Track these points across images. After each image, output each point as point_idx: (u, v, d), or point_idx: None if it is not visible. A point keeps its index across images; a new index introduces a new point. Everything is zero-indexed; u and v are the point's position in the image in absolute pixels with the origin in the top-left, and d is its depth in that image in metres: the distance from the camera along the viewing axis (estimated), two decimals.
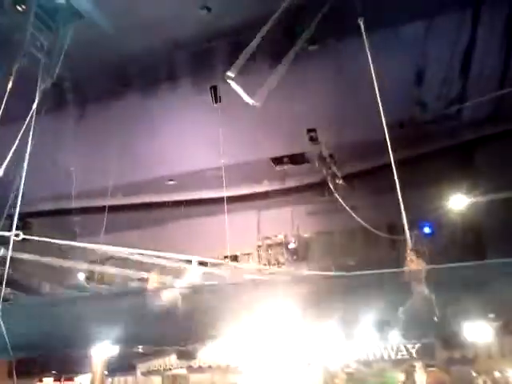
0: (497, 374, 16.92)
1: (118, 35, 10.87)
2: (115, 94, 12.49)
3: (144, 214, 15.53)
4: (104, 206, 13.12)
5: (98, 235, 12.10)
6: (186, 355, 17.68)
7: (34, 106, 9.42)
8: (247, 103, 12.98)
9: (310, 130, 13.52)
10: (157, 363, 18.39)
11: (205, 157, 14.00)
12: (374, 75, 7.94)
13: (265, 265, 16.01)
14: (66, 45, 10.12)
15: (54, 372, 18.78)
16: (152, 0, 10.82)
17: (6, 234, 6.38)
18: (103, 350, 14.74)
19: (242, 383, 18.69)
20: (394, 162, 13.65)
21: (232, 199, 14.23)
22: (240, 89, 9.40)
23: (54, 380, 19.11)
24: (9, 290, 9.50)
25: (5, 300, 9.06)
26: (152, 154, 13.88)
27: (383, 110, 11.51)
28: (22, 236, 6.35)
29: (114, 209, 13.72)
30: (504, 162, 12.62)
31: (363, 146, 12.96)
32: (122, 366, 18.37)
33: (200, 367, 18.07)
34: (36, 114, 8.84)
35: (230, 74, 9.43)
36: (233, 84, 9.18)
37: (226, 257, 15.68)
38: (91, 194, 13.83)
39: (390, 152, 7.82)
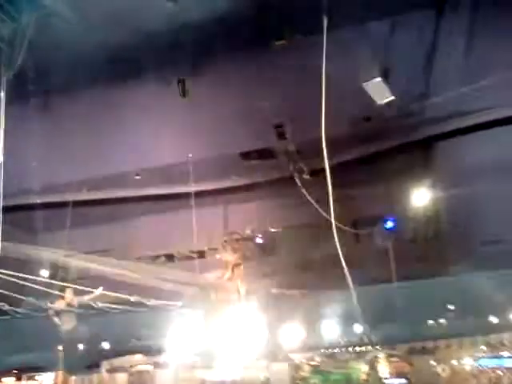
0: (454, 363, 17.55)
1: (83, 26, 10.65)
2: (81, 86, 12.23)
3: (111, 208, 15.30)
4: (69, 201, 12.87)
5: (62, 231, 11.87)
6: (151, 351, 17.56)
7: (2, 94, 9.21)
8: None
9: (277, 126, 13.61)
10: (122, 360, 18.20)
11: (172, 151, 13.91)
12: (324, 74, 8.05)
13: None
14: (29, 35, 9.86)
15: (14, 371, 18.33)
16: None
17: None
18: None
19: (208, 378, 18.72)
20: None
21: (199, 194, 14.21)
22: None
23: (16, 379, 18.63)
24: None
25: None
26: (119, 148, 13.69)
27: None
28: None
29: (79, 204, 13.47)
30: (461, 159, 13.05)
31: (329, 142, 13.11)
32: (86, 363, 18.10)
33: (166, 363, 17.98)
34: None
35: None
36: None
37: (192, 252, 15.66)
38: (55, 189, 13.52)
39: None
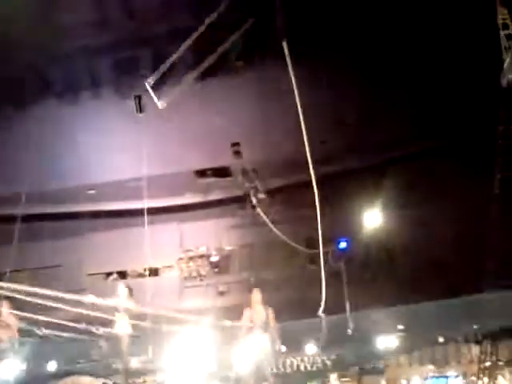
0: (403, 382, 17.86)
1: (35, 37, 10.46)
2: (34, 97, 11.97)
3: (63, 223, 14.88)
4: (18, 215, 12.43)
5: (10, 246, 11.44)
6: (101, 373, 17.04)
7: None
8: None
9: (233, 144, 13.67)
10: (68, 381, 17.56)
11: (126, 167, 13.71)
12: (297, 95, 8.19)
13: (185, 277, 15.88)
14: None
15: None
16: (72, 3, 10.54)
17: None
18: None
19: None
20: (314, 178, 14.12)
21: (153, 211, 14.00)
22: (151, 90, 9.41)
23: None
24: None
25: None
26: (72, 161, 13.39)
27: (305, 128, 11.92)
28: None
29: (29, 218, 13.03)
30: (409, 182, 13.44)
31: (285, 162, 13.28)
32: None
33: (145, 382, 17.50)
34: None
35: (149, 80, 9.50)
36: (147, 86, 9.19)
37: (145, 269, 15.36)
38: (4, 201, 13.07)
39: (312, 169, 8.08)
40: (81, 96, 12.49)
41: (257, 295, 8.29)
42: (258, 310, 8.08)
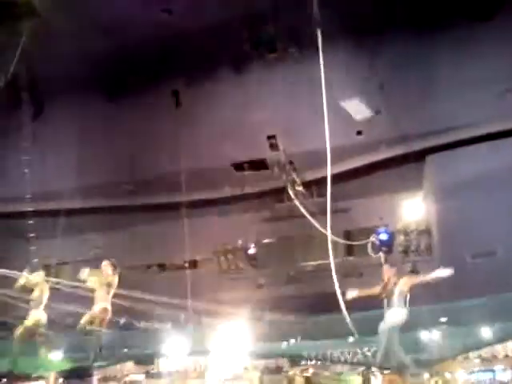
0: (447, 376, 17.45)
1: (76, 36, 10.73)
2: (75, 95, 12.30)
3: (104, 217, 15.26)
4: (62, 209, 12.85)
5: (55, 239, 11.84)
6: (143, 361, 17.44)
7: None
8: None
9: (270, 137, 13.66)
10: (114, 369, 18.05)
11: (165, 161, 13.93)
12: (323, 86, 8.07)
13: (224, 270, 16.02)
14: (22, 43, 9.91)
15: (4, 380, 18.19)
16: (111, 1, 10.74)
17: None
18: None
19: None
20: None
21: (192, 204, 14.20)
22: None
23: None
24: None
25: None
26: (111, 157, 13.71)
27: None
28: None
29: (72, 212, 13.45)
30: (452, 172, 13.08)
31: (322, 153, 13.15)
32: (77, 372, 17.94)
33: (158, 373, 17.86)
34: None
35: None
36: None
37: (184, 262, 15.59)
38: (48, 197, 13.51)
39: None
40: (120, 93, 12.77)
41: (390, 271, 8.33)
42: (400, 283, 8.10)
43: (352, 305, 8.73)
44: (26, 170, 12.01)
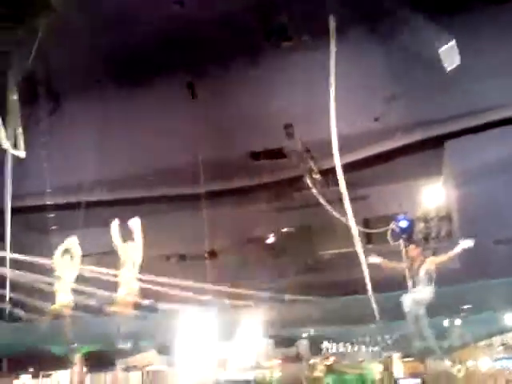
0: (470, 363, 17.32)
1: (90, 29, 10.80)
2: (91, 89, 12.40)
3: (124, 209, 15.39)
4: (81, 202, 13.02)
5: (75, 231, 11.98)
6: (165, 351, 17.67)
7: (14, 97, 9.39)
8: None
9: (286, 126, 13.60)
10: (136, 359, 18.34)
11: (183, 152, 13.98)
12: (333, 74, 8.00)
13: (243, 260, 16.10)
14: (39, 38, 10.01)
15: (31, 369, 18.62)
16: None
17: None
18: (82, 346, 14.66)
19: (221, 378, 18.80)
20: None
21: (210, 195, 14.25)
22: None
23: (32, 377, 18.93)
24: None
25: None
26: (130, 149, 13.82)
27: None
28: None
29: (91, 204, 13.61)
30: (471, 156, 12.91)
31: (339, 141, 13.08)
32: (101, 362, 18.29)
33: (180, 362, 18.06)
34: None
35: None
36: None
37: (204, 252, 15.70)
38: (67, 190, 13.68)
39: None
40: (136, 85, 12.82)
41: (415, 250, 8.40)
42: (426, 263, 8.15)
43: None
44: (45, 164, 12.20)
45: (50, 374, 18.86)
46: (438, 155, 13.52)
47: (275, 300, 8.98)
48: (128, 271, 8.83)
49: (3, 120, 9.07)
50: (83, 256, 9.65)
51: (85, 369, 18.22)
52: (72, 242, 9.11)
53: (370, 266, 9.05)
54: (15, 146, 9.08)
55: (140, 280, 8.91)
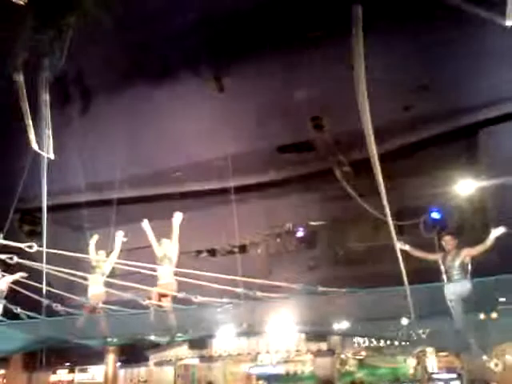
0: (508, 358, 16.87)
1: (120, 27, 10.87)
2: (119, 85, 12.49)
3: (153, 206, 15.54)
4: (111, 199, 13.19)
5: (106, 228, 12.15)
6: (197, 345, 17.82)
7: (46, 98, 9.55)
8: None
9: (314, 118, 13.46)
10: (169, 353, 18.56)
11: (211, 147, 13.99)
12: (361, 63, 7.81)
13: (273, 254, 16.08)
14: (69, 37, 10.14)
15: (67, 364, 19.05)
16: None
17: (22, 245, 6.52)
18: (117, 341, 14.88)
19: (253, 372, 18.87)
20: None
21: (238, 189, 14.24)
22: None
23: (68, 372, 19.40)
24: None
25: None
26: (158, 145, 13.89)
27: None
28: (35, 248, 6.46)
29: (121, 201, 13.77)
30: (506, 145, 12.54)
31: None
32: (134, 356, 18.56)
33: (211, 356, 18.21)
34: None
35: None
36: None
37: (234, 246, 15.76)
38: (97, 187, 13.88)
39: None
40: (164, 79, 12.86)
41: (451, 241, 8.26)
42: (461, 255, 8.03)
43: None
44: (77, 162, 12.41)
45: (86, 369, 19.29)
46: (472, 144, 13.18)
47: (307, 292, 8.89)
48: (164, 267, 8.91)
49: (34, 121, 9.24)
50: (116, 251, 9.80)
51: (118, 363, 18.56)
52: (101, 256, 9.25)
53: (403, 258, 8.87)
54: (44, 147, 9.23)
55: (175, 274, 8.98)
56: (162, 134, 13.58)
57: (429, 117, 12.64)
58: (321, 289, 8.34)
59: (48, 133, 9.32)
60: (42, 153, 9.25)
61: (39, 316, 9.42)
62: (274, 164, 14.92)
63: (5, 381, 17.95)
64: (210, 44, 12.02)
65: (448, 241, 8.32)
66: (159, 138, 13.63)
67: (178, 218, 9.32)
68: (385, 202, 7.53)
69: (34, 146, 9.11)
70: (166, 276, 8.88)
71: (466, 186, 13.20)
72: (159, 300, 8.92)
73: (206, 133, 13.71)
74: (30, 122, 9.05)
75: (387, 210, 7.71)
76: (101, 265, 9.11)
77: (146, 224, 9.29)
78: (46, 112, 9.38)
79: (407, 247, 8.25)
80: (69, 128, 11.77)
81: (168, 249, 9.17)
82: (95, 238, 9.41)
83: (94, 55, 11.46)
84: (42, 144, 9.11)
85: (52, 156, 9.27)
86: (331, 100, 12.77)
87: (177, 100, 13.06)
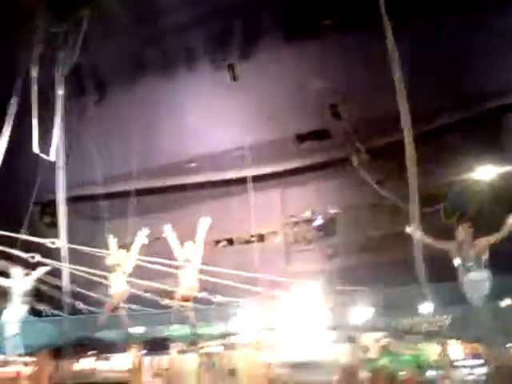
0: None
1: (133, 18, 10.89)
2: (134, 77, 12.53)
3: (169, 197, 15.61)
4: (128, 190, 13.27)
5: (123, 220, 12.26)
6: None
7: (60, 92, 9.63)
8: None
9: (332, 106, 13.33)
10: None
11: (226, 137, 13.96)
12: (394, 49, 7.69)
13: (291, 243, 15.98)
14: (83, 31, 10.19)
15: (91, 353, 19.35)
16: None
17: (44, 241, 6.62)
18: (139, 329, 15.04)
19: (275, 360, 18.94)
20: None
21: (255, 178, 14.19)
22: None
23: (92, 360, 19.73)
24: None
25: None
26: (173, 136, 13.91)
27: (404, 82, 11.25)
28: (57, 244, 6.54)
29: (138, 193, 13.85)
30: None
31: (386, 120, 12.70)
32: (156, 345, 18.72)
33: (233, 344, 18.29)
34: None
35: None
36: None
37: (252, 236, 15.72)
38: (114, 179, 13.97)
39: None
40: (178, 69, 12.85)
41: (467, 229, 8.08)
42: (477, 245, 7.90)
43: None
44: (94, 154, 12.50)
45: (109, 357, 19.58)
46: (494, 130, 12.87)
47: (325, 290, 8.86)
48: (187, 270, 8.93)
49: (43, 118, 9.31)
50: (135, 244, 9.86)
51: (142, 352, 18.79)
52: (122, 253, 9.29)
53: (419, 246, 8.72)
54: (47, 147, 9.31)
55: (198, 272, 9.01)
56: (177, 124, 13.59)
57: (451, 102, 12.41)
58: (340, 288, 8.26)
59: (55, 131, 9.37)
60: (42, 155, 9.31)
61: (62, 314, 9.54)
62: (291, 152, 14.82)
63: (35, 369, 18.35)
64: (223, 32, 11.99)
65: (464, 229, 8.09)
66: (175, 128, 13.64)
67: (204, 222, 9.25)
68: (414, 186, 7.39)
69: (35, 148, 9.18)
70: (189, 278, 8.88)
71: (487, 172, 12.93)
72: (182, 300, 8.95)
73: (223, 122, 13.67)
74: (36, 122, 9.11)
75: (414, 196, 7.60)
76: (122, 263, 9.14)
77: (168, 229, 9.22)
78: (57, 107, 9.44)
79: (418, 234, 8.08)
80: (84, 120, 11.86)
81: (191, 252, 9.13)
82: (114, 239, 9.39)
83: (108, 47, 11.50)
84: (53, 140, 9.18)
85: (53, 158, 9.31)
86: (349, 87, 12.63)
87: (192, 90, 13.05)
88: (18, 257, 8.23)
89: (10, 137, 9.26)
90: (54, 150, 9.46)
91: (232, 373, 18.88)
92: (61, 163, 9.86)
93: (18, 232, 8.56)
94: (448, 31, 11.14)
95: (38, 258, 6.96)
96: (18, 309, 8.81)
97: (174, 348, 19.30)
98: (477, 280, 7.74)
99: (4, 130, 9.17)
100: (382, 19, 8.03)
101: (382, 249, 14.03)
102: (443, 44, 11.14)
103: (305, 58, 12.56)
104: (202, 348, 19.24)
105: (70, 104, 9.87)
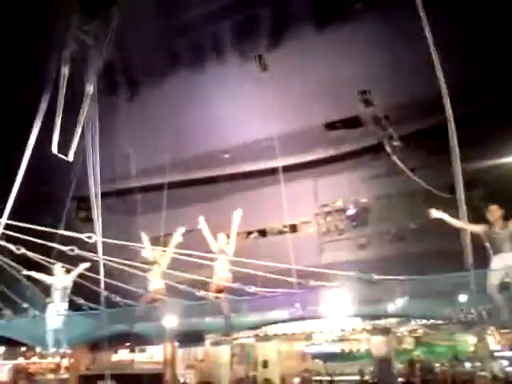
0: None
1: (162, 12, 10.92)
2: (165, 71, 12.59)
3: (202, 188, 15.68)
4: (161, 184, 13.38)
5: (158, 213, 12.37)
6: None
7: (90, 89, 9.73)
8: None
9: (362, 92, 13.11)
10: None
11: (257, 127, 13.91)
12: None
13: (324, 233, 15.89)
14: (114, 27, 10.25)
15: (127, 344, 19.71)
16: None
17: (81, 236, 6.71)
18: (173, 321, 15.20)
19: (308, 351, 18.91)
20: (455, 118, 13.01)
21: (287, 168, 14.11)
22: None
23: (129, 352, 20.12)
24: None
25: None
26: (206, 128, 13.94)
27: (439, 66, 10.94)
28: (94, 238, 6.63)
29: (172, 185, 13.96)
30: None
31: (419, 105, 12.43)
32: (191, 337, 18.92)
33: (266, 335, 18.35)
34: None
35: None
36: None
37: (284, 226, 15.67)
38: (148, 173, 14.12)
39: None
40: (207, 62, 12.86)
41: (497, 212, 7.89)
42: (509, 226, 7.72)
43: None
44: (127, 149, 12.66)
45: (145, 349, 19.93)
46: None
47: (362, 280, 8.71)
48: (221, 261, 8.96)
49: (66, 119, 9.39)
50: (168, 235, 9.93)
51: (176, 343, 19.02)
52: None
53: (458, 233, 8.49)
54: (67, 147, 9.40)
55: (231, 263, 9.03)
56: (208, 116, 13.61)
57: (483, 87, 12.05)
58: (376, 277, 8.09)
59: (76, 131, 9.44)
60: (61, 156, 9.40)
61: (100, 307, 9.69)
62: (322, 141, 14.67)
63: (72, 360, 18.82)
64: (251, 22, 11.91)
65: (494, 211, 7.82)
66: (206, 121, 13.67)
67: (237, 214, 9.25)
68: (458, 172, 7.17)
69: (54, 148, 9.28)
70: (223, 270, 8.93)
71: None
72: (216, 291, 9.01)
73: (254, 113, 13.62)
74: (59, 122, 9.19)
75: (460, 185, 7.40)
76: (158, 260, 9.25)
77: (201, 221, 9.28)
78: (85, 105, 9.51)
79: (445, 216, 7.82)
80: (117, 115, 11.97)
81: (224, 244, 9.18)
82: (146, 237, 9.50)
83: (138, 43, 11.58)
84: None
85: (71, 158, 9.41)
86: (380, 73, 12.39)
87: (222, 82, 13.04)
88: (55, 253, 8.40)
89: (49, 135, 9.44)
90: (73, 149, 9.53)
91: (265, 364, 19.02)
92: (92, 160, 9.97)
93: (55, 228, 8.70)
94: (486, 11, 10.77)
95: (76, 250, 7.10)
96: (60, 304, 9.06)
97: (209, 339, 19.52)
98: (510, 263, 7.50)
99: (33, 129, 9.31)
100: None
101: (416, 238, 13.80)
102: (480, 24, 10.81)
103: (334, 44, 12.38)
104: (235, 339, 19.42)
105: (102, 101, 9.94)
